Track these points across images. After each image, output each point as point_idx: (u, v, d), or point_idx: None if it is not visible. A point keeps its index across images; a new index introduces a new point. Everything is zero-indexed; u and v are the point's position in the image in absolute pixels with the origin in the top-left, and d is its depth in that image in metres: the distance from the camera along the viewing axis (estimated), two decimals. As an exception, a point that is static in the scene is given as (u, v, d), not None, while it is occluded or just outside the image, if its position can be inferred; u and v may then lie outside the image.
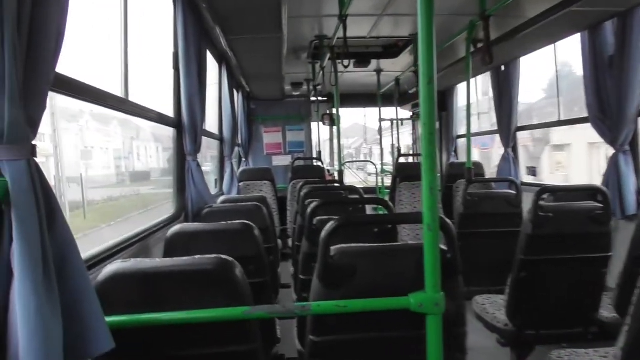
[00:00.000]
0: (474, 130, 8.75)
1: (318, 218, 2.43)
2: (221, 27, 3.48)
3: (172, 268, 1.44)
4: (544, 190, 2.73)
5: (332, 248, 1.54)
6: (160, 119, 3.04)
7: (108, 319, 1.26)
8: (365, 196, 3.86)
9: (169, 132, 3.44)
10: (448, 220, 1.52)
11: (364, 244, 1.58)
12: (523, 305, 2.75)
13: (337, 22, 4.13)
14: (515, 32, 4.26)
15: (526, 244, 2.64)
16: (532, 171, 5.83)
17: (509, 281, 2.79)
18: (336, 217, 1.63)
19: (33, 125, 1.14)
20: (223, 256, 1.49)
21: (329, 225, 1.53)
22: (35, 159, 1.15)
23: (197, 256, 1.49)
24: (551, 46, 4.79)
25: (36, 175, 1.13)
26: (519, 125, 5.47)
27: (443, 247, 1.52)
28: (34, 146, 1.14)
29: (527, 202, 3.88)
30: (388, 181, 8.56)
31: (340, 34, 4.43)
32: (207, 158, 6.19)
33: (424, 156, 1.44)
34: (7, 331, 1.12)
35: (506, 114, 5.38)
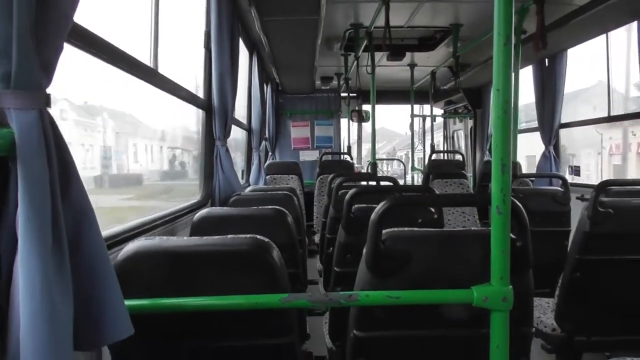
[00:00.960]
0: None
1: (357, 206, 2.25)
2: (257, 6, 3.32)
3: (202, 247, 1.27)
4: (606, 183, 2.48)
5: (383, 232, 1.35)
6: (190, 98, 2.90)
7: (127, 302, 1.10)
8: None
9: (175, 130, 3.28)
10: (518, 203, 1.31)
11: (420, 228, 1.39)
12: (574, 309, 2.52)
13: (377, 7, 3.93)
14: (564, 20, 3.99)
15: (582, 242, 2.40)
16: (576, 170, 5.51)
17: (559, 283, 2.55)
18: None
19: (47, 69, 0.97)
20: (259, 236, 1.31)
21: (381, 206, 1.34)
22: (49, 109, 0.98)
23: (229, 235, 1.32)
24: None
25: (49, 129, 0.97)
26: (562, 122, 5.18)
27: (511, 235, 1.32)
28: (48, 95, 0.98)
29: (572, 203, 3.63)
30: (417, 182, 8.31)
31: (377, 21, 4.23)
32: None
33: (495, 127, 1.25)
34: (10, 309, 0.96)
35: (549, 110, 5.10)
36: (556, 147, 5.17)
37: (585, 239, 2.39)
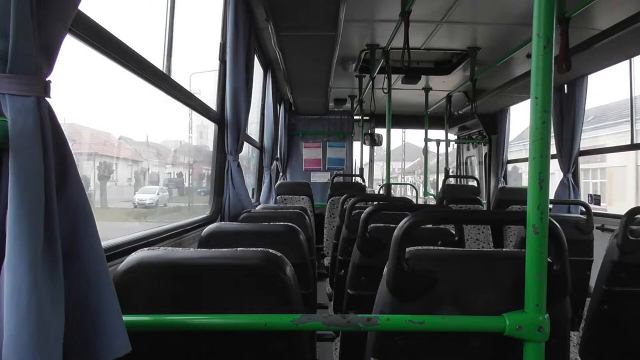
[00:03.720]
0: (521, 155, 8.31)
1: (372, 225, 2.13)
2: (274, 21, 3.26)
3: (209, 260, 1.17)
4: (636, 210, 2.34)
5: (406, 251, 1.23)
6: (202, 109, 2.82)
7: (126, 317, 0.99)
8: None
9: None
10: (555, 222, 1.19)
11: (446, 247, 1.27)
12: (601, 343, 2.36)
13: (394, 26, 3.87)
14: (586, 45, 3.89)
15: (611, 272, 2.26)
16: (596, 199, 5.35)
17: (584, 315, 2.40)
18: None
19: (48, 54, 0.89)
20: (271, 250, 1.20)
21: (406, 221, 1.22)
22: (48, 99, 0.89)
23: (240, 248, 1.21)
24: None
25: (47, 119, 0.88)
26: (582, 149, 5.05)
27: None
28: (48, 82, 0.89)
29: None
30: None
31: (394, 42, 4.17)
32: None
33: (532, 140, 1.14)
34: None
35: (568, 137, 4.98)
36: (575, 175, 5.03)
37: (613, 268, 2.25)
